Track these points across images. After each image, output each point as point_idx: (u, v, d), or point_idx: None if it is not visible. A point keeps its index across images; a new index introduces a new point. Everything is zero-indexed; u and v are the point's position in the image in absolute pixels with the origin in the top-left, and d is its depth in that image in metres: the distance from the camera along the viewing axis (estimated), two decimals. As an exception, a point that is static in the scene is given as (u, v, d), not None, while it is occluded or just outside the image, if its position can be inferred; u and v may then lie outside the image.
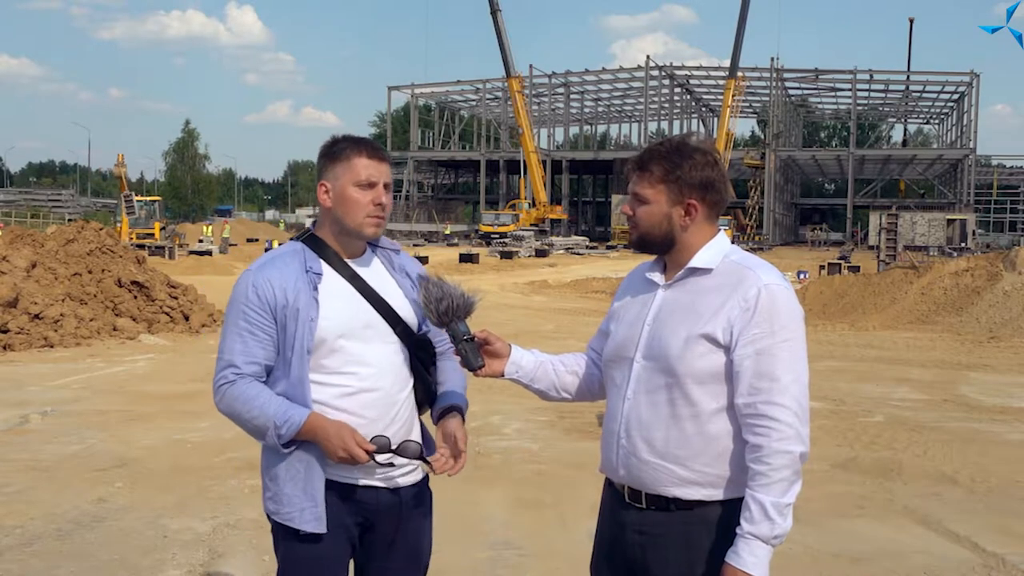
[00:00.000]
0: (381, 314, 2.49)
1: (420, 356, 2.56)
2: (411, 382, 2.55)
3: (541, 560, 4.85)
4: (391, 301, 2.52)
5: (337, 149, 2.49)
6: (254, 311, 2.40)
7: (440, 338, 2.58)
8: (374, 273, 2.55)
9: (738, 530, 2.11)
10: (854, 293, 19.47)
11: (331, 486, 2.43)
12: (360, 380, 2.44)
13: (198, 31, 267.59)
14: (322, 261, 2.49)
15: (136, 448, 6.96)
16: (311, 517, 2.40)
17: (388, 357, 2.49)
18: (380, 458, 2.40)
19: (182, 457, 6.75)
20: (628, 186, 2.35)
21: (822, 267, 29.69)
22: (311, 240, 2.52)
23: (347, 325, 2.43)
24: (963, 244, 46.03)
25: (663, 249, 2.30)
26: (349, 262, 2.51)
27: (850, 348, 13.59)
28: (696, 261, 2.24)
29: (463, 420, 2.56)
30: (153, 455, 6.77)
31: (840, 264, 30.63)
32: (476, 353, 2.38)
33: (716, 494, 2.18)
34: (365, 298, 2.48)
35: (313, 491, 2.40)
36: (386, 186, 2.50)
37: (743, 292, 2.15)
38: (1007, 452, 7.39)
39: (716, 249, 2.25)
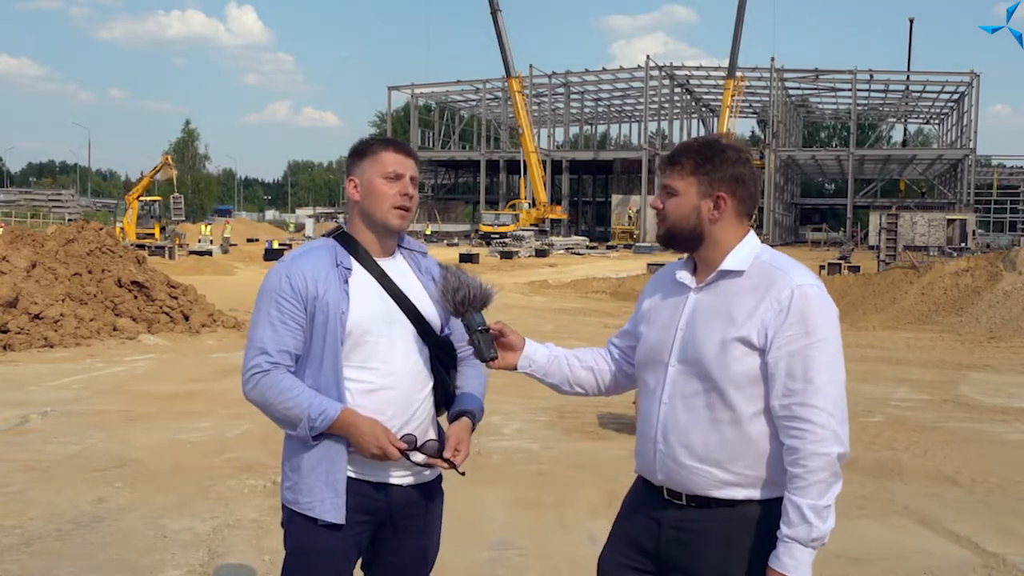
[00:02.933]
0: (405, 313, 2.53)
1: (441, 358, 2.59)
2: (431, 383, 2.58)
3: (541, 560, 4.84)
4: (415, 301, 2.56)
5: (366, 146, 2.59)
6: (287, 300, 2.44)
7: (463, 342, 2.60)
8: (400, 273, 2.59)
9: (778, 533, 2.13)
10: (854, 293, 19.48)
11: (347, 482, 2.46)
12: (380, 377, 2.48)
13: (198, 31, 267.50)
14: (352, 258, 2.53)
15: (136, 448, 6.95)
16: (331, 507, 2.43)
17: (409, 356, 2.53)
18: (414, 457, 2.44)
19: (182, 457, 6.75)
20: (657, 182, 2.37)
21: (822, 267, 29.66)
22: (342, 237, 2.58)
23: (372, 321, 2.48)
24: (963, 244, 46.01)
25: (691, 245, 2.28)
26: (377, 260, 2.56)
27: (850, 348, 13.53)
28: (728, 263, 2.22)
29: (473, 426, 2.60)
30: (153, 455, 6.77)
31: (840, 264, 30.64)
32: (490, 344, 2.42)
33: (757, 494, 2.20)
34: (391, 296, 2.53)
35: (335, 482, 2.44)
36: (412, 179, 2.57)
37: (776, 294, 2.15)
38: (1007, 452, 7.39)
39: (747, 250, 2.24)
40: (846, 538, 5.19)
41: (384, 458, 2.40)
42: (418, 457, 2.45)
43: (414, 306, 2.54)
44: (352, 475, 2.46)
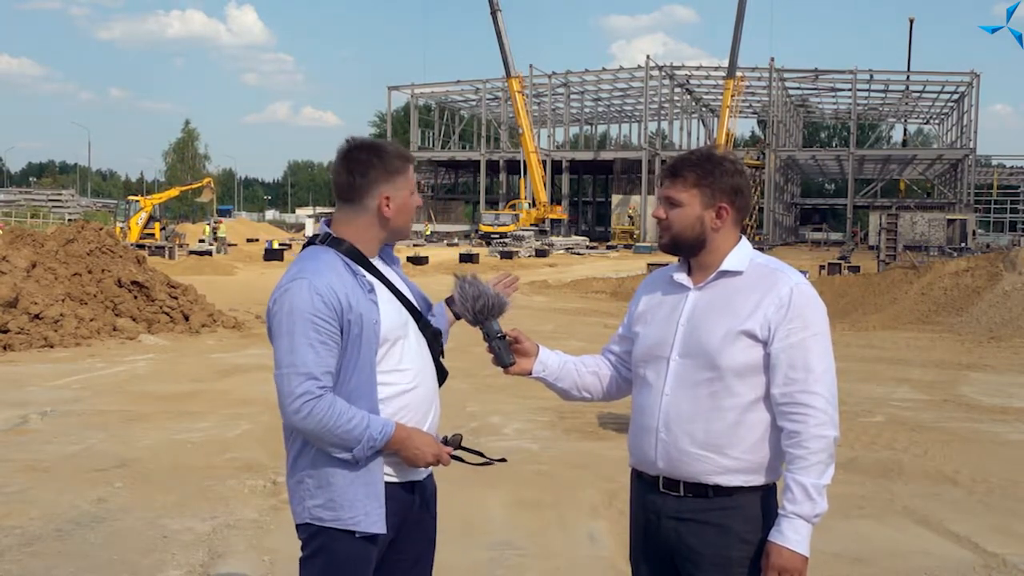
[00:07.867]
0: (408, 310, 2.55)
1: (433, 346, 2.61)
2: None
3: (541, 560, 4.84)
4: (407, 295, 2.57)
5: (396, 164, 2.51)
6: (324, 320, 2.35)
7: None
8: (387, 271, 2.59)
9: (780, 511, 2.28)
10: (854, 293, 19.49)
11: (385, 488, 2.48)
12: (411, 377, 2.50)
13: (198, 31, 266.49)
14: (359, 265, 2.49)
15: (136, 448, 6.96)
16: (377, 519, 2.41)
17: (423, 352, 2.57)
18: (467, 457, 2.52)
19: (182, 457, 6.75)
20: (658, 192, 2.49)
21: (822, 267, 29.67)
22: (336, 243, 2.49)
23: (397, 325, 2.49)
24: (963, 244, 45.99)
25: (693, 251, 2.43)
26: (373, 263, 2.55)
27: (850, 348, 13.57)
28: (727, 264, 2.40)
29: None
30: (153, 455, 6.77)
31: (840, 264, 30.64)
32: (508, 351, 2.52)
33: (753, 479, 2.34)
34: (396, 297, 2.53)
35: (376, 494, 2.42)
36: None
37: (777, 291, 2.33)
38: (1007, 452, 7.40)
39: (743, 253, 2.42)
40: (846, 538, 5.20)
41: (436, 464, 2.45)
42: (469, 456, 2.52)
43: (411, 302, 2.56)
44: (389, 479, 2.45)
